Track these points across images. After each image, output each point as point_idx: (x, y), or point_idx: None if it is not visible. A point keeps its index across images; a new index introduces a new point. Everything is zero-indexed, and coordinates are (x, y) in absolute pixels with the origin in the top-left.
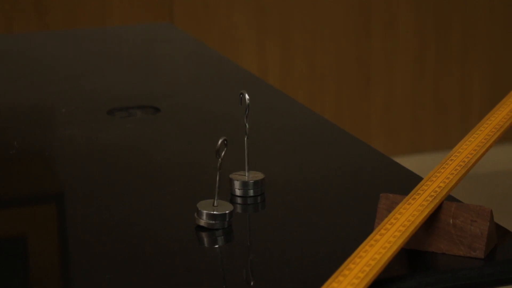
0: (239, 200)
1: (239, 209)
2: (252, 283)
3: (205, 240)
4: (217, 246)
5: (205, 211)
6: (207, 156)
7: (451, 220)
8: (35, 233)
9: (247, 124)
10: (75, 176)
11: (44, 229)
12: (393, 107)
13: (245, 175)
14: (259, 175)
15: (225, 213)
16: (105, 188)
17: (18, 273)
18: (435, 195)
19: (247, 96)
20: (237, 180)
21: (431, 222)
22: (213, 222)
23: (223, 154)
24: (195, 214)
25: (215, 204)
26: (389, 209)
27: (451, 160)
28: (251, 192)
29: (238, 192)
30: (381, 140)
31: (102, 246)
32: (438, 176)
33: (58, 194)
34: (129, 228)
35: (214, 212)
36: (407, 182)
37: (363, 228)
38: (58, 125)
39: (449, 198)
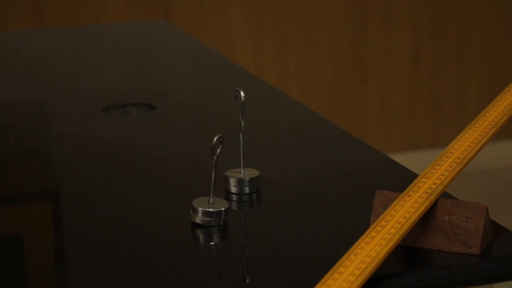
0: (234, 197)
1: (234, 206)
2: (247, 280)
3: (201, 237)
4: (212, 243)
5: (200, 208)
6: (202, 153)
7: (446, 217)
8: (31, 230)
9: (242, 122)
10: (71, 173)
11: (40, 227)
12: (389, 104)
13: (240, 172)
14: (254, 172)
15: (221, 210)
16: (100, 185)
17: (14, 271)
18: (430, 192)
19: (242, 93)
20: (233, 177)
21: (427, 219)
22: (209, 219)
23: (218, 151)
24: (191, 211)
25: (210, 201)
26: (385, 206)
27: (447, 156)
28: (246, 189)
29: (233, 189)
30: (377, 137)
31: (98, 243)
32: (434, 173)
33: (53, 191)
34: (124, 225)
35: (210, 209)
36: (403, 179)
37: (358, 225)
38: (54, 122)
39: (445, 195)
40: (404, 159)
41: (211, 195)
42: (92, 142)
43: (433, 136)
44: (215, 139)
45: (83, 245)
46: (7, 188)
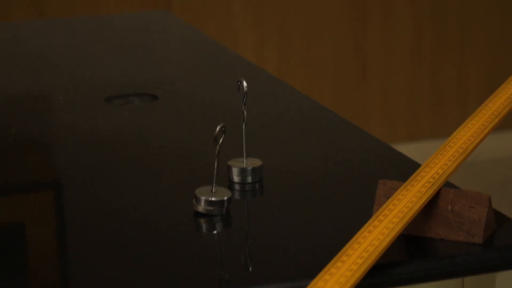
0: (237, 186)
1: (237, 195)
2: (250, 269)
3: (203, 226)
4: (215, 232)
5: (203, 198)
6: (205, 143)
7: (449, 206)
8: (32, 220)
9: (245, 111)
10: (73, 163)
11: (42, 216)
12: (390, 95)
13: (243, 162)
14: (257, 162)
15: (223, 200)
16: (102, 175)
17: (16, 261)
18: (433, 182)
19: (245, 83)
20: (235, 167)
21: (429, 208)
22: (211, 208)
23: (221, 141)
24: (193, 201)
25: (213, 191)
26: (387, 196)
27: (449, 146)
28: (249, 179)
29: (236, 178)
30: (378, 128)
31: (100, 232)
32: (436, 162)
33: (55, 181)
34: (126, 214)
35: (212, 199)
36: (405, 169)
37: (361, 215)
38: (56, 112)
39: (447, 184)
40: (406, 149)
41: (214, 185)
42: (95, 132)
43: (435, 127)
44: (217, 128)
45: (84, 235)
46: (9, 177)
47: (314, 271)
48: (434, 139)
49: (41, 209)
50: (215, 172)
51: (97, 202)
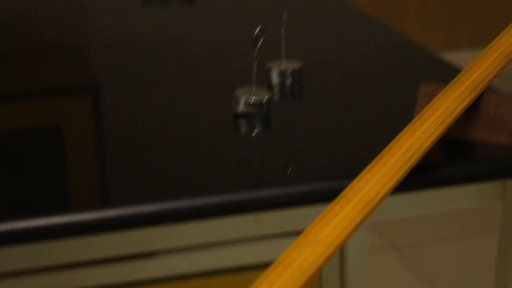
0: (276, 88)
1: (276, 97)
2: (289, 170)
3: (243, 126)
4: (254, 132)
5: (243, 98)
6: (244, 45)
7: (492, 110)
8: (70, 124)
9: (284, 14)
10: (110, 67)
11: (79, 120)
12: (429, 4)
13: (282, 64)
14: (296, 64)
15: (263, 100)
16: (140, 78)
17: (54, 164)
18: (476, 85)
19: None
20: (275, 69)
21: (472, 112)
22: (251, 109)
23: (260, 42)
24: (233, 101)
25: (252, 92)
26: (429, 99)
27: (492, 51)
28: (288, 81)
29: (275, 80)
30: (416, 37)
31: (139, 133)
32: (479, 67)
33: (93, 85)
34: (165, 116)
35: (252, 99)
36: (447, 74)
37: (402, 118)
38: (93, 16)
39: (490, 88)
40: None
41: (253, 86)
42: (132, 35)
43: (474, 36)
44: (257, 29)
45: (123, 137)
46: (47, 82)
47: (354, 171)
48: (472, 48)
49: (79, 113)
50: (254, 73)
51: (136, 105)
